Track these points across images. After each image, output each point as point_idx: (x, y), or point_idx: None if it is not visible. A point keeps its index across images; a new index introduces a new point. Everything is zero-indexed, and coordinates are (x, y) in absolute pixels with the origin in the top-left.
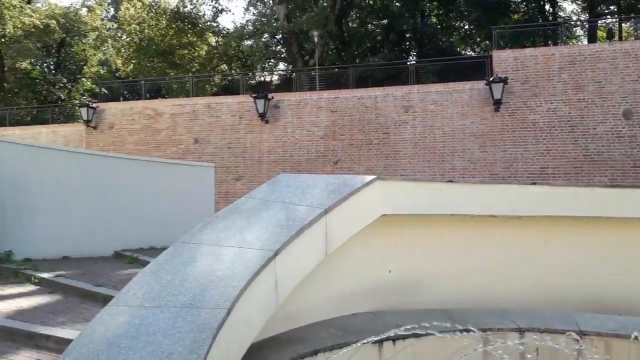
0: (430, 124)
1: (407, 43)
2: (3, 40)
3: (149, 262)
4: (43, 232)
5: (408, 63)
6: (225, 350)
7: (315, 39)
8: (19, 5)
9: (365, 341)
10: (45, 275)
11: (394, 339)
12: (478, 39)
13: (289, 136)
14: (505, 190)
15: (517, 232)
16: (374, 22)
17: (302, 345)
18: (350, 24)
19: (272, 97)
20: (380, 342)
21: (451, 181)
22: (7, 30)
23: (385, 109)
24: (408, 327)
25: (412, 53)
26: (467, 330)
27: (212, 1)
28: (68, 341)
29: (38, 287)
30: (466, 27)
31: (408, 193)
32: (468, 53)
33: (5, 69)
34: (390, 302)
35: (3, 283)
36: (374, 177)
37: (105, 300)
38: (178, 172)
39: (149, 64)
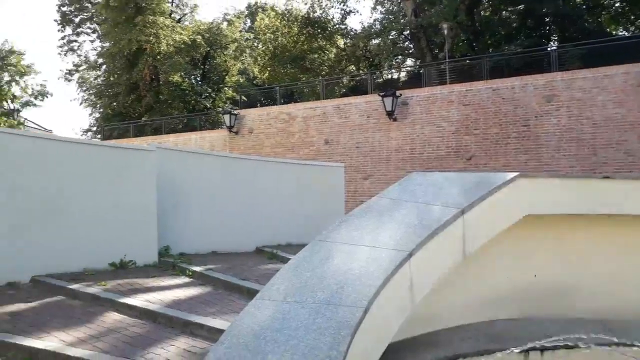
0: (577, 114)
1: (547, 28)
2: (159, 57)
3: (286, 258)
4: (194, 229)
5: (549, 49)
6: (362, 349)
7: (445, 32)
8: (171, 25)
9: (510, 350)
10: (197, 268)
11: (542, 350)
12: (632, 17)
13: (417, 133)
14: None
15: None
16: (509, 9)
17: (440, 349)
18: (482, 13)
19: (400, 94)
20: (527, 351)
21: (607, 177)
22: (162, 48)
23: (524, 100)
24: (560, 337)
25: (552, 38)
26: (632, 345)
27: (340, 4)
28: (218, 330)
29: (191, 279)
30: (617, 4)
31: (555, 191)
32: (620, 33)
33: (161, 82)
34: (533, 309)
35: (163, 275)
36: (515, 174)
37: (249, 292)
38: (311, 172)
39: (282, 70)
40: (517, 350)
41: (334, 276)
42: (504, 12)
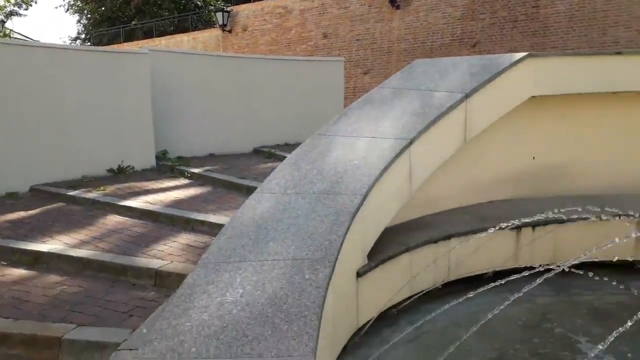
0: None
1: None
2: None
3: (284, 156)
4: (191, 132)
5: None
6: (361, 233)
7: None
8: None
9: (501, 226)
10: (195, 170)
11: (534, 225)
12: None
13: (421, 21)
14: None
15: None
16: None
17: (436, 230)
18: None
19: None
20: (519, 228)
21: (620, 53)
22: None
23: None
24: (551, 212)
25: None
26: (619, 215)
27: None
28: (219, 225)
29: (190, 180)
30: None
31: (564, 70)
32: None
33: None
34: (532, 190)
35: (161, 177)
36: (524, 54)
37: (249, 190)
38: (308, 69)
39: None
40: (510, 227)
41: (333, 168)
42: None
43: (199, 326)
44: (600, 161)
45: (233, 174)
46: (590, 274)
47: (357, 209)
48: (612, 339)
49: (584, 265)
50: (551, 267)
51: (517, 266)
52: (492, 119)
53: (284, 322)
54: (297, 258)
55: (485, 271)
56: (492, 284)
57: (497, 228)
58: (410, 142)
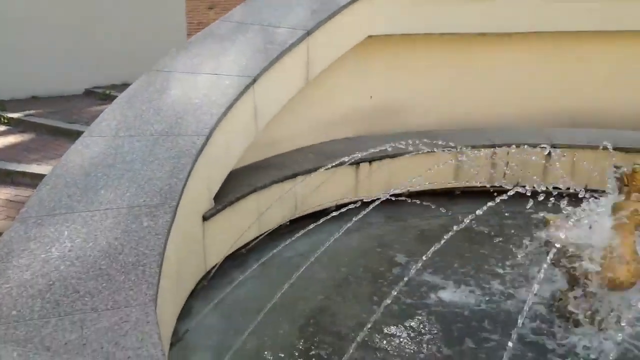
0: None
1: None
2: None
3: None
4: (9, 71)
5: None
6: (205, 175)
7: None
8: None
9: (340, 162)
10: (14, 115)
11: (370, 160)
12: None
13: None
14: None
15: (507, 52)
16: None
17: (282, 170)
18: None
19: None
20: (357, 163)
21: None
22: None
23: None
24: (387, 146)
25: None
26: (442, 148)
27: None
28: (43, 176)
29: (8, 127)
30: None
31: (399, 12)
32: None
33: None
34: (371, 128)
35: None
36: None
37: (79, 135)
38: (146, 3)
39: None
40: (349, 162)
41: (172, 107)
42: None
43: (20, 287)
44: (435, 100)
45: (61, 119)
46: (419, 202)
47: (200, 151)
48: (429, 254)
49: (417, 195)
50: (380, 197)
51: (357, 199)
52: (333, 56)
53: (120, 273)
54: (134, 205)
55: (329, 205)
56: (331, 215)
57: (337, 163)
58: (254, 80)
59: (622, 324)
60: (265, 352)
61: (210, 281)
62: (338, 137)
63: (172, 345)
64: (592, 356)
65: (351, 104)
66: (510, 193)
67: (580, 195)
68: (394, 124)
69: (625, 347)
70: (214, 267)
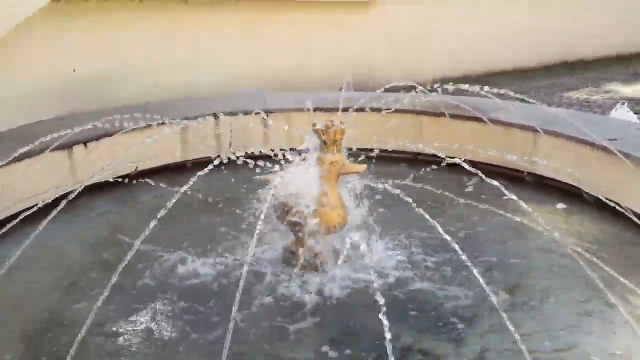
0: None
1: None
2: None
3: None
4: None
5: None
6: None
7: None
8: None
9: (52, 147)
10: None
11: (85, 142)
12: None
13: None
14: None
15: (212, 19)
16: None
17: None
18: None
19: None
20: (69, 146)
21: None
22: None
23: None
24: (99, 123)
25: None
26: (162, 123)
27: None
28: None
29: None
30: None
31: None
32: None
33: None
34: (81, 104)
35: None
36: None
37: None
38: None
39: None
40: (56, 147)
41: None
42: None
43: None
44: (141, 70)
45: None
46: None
47: None
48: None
49: (149, 173)
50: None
51: (76, 185)
52: (10, 23)
53: None
54: None
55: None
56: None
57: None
58: None
59: (339, 262)
60: None
61: None
62: (47, 117)
63: None
64: (320, 296)
65: (53, 79)
66: (229, 160)
67: (289, 155)
68: (106, 97)
69: (346, 283)
70: None
